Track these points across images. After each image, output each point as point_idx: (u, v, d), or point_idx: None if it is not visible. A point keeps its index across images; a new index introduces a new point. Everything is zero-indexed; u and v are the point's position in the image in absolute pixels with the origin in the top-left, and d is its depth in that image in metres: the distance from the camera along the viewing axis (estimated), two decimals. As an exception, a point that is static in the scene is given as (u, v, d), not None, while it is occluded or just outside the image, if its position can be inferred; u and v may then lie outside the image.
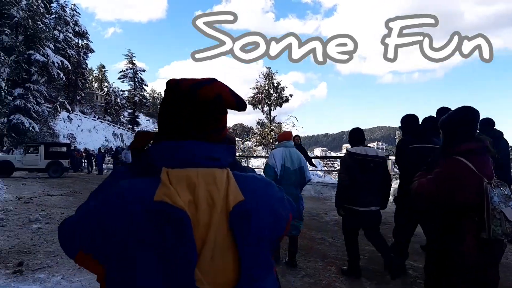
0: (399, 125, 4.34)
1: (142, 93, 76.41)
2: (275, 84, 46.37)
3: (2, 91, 27.56)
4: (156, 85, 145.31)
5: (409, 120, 4.21)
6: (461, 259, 2.23)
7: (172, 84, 0.89)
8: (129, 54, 73.21)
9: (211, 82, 0.87)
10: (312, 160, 11.51)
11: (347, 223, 4.13)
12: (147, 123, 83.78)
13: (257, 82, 47.73)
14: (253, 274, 0.79)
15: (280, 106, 46.46)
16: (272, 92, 46.28)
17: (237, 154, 29.01)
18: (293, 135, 8.36)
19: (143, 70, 76.00)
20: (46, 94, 40.42)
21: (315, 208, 9.14)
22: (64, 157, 19.72)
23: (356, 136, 4.06)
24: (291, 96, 47.20)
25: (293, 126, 16.11)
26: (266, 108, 47.93)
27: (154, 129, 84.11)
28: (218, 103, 0.87)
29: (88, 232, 0.79)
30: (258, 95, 47.14)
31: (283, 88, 46.61)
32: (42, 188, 13.26)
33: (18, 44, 34.22)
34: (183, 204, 0.75)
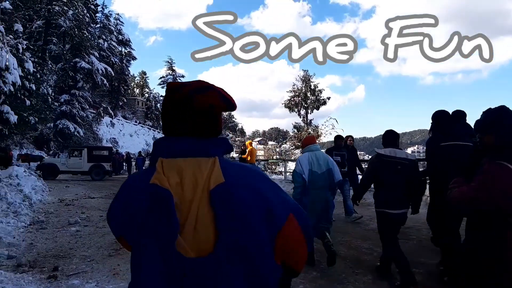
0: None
1: (181, 98, 77.89)
2: (312, 87, 45.75)
3: (49, 97, 28.78)
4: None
5: (439, 117, 4.08)
6: (503, 268, 2.04)
7: (170, 89, 1.07)
8: (169, 61, 75.13)
9: (206, 91, 1.02)
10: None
11: (382, 227, 3.99)
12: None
13: (294, 85, 47.26)
14: (229, 248, 0.90)
15: (317, 109, 45.67)
16: (309, 95, 45.68)
17: (275, 157, 28.42)
18: (346, 136, 7.92)
19: (182, 76, 77.55)
20: (91, 100, 42.03)
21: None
22: (106, 161, 20.26)
23: (388, 138, 3.99)
24: (328, 99, 46.27)
25: (332, 128, 15.55)
26: (302, 111, 47.32)
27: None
28: (211, 112, 1.03)
29: (117, 218, 1.06)
30: (294, 98, 46.63)
31: (320, 91, 45.80)
32: (84, 190, 13.55)
33: (65, 52, 35.88)
34: (168, 186, 0.93)
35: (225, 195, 0.93)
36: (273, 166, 23.69)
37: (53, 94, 32.84)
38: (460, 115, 4.37)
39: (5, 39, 13.54)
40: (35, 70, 25.86)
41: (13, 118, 16.29)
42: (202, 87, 1.03)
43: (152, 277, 0.91)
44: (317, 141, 4.89)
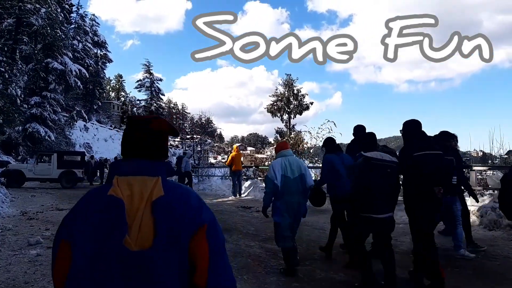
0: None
1: (159, 102, 76.30)
2: (295, 92, 45.12)
3: (18, 99, 26.82)
4: (173, 95, 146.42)
5: (410, 126, 4.11)
6: None
7: (133, 119, 1.33)
8: (147, 64, 73.29)
9: (157, 119, 1.32)
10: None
11: (363, 232, 3.96)
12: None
13: (276, 90, 46.54)
14: (164, 243, 1.11)
15: (300, 114, 45.09)
16: (292, 100, 45.01)
17: (267, 163, 27.38)
18: (450, 135, 5.95)
19: (160, 80, 76.10)
20: (63, 103, 39.94)
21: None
22: (78, 167, 18.66)
23: (372, 140, 4.03)
24: (311, 104, 45.80)
25: (329, 132, 14.65)
26: (285, 116, 46.63)
27: (170, 139, 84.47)
28: (161, 136, 1.31)
29: (69, 224, 1.17)
30: (277, 103, 45.92)
31: (303, 96, 45.30)
32: (51, 200, 12.09)
33: (36, 52, 33.83)
34: (122, 196, 1.14)
35: (163, 205, 1.16)
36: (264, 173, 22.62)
37: (22, 95, 30.82)
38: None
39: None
40: (3, 69, 24.00)
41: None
42: (157, 116, 1.36)
43: (104, 272, 1.09)
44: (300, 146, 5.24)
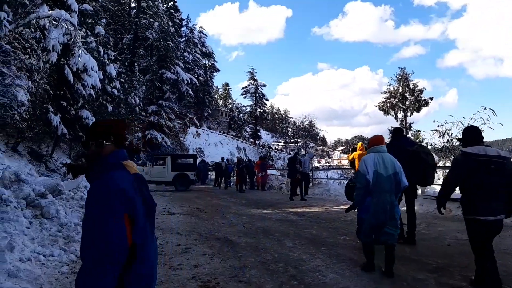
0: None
1: (262, 107, 77.34)
2: (411, 87, 40.60)
3: (137, 107, 28.78)
4: (275, 101, 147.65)
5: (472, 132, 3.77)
6: None
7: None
8: (251, 71, 75.30)
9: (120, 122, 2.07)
10: None
11: (475, 237, 3.59)
12: (266, 138, 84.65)
13: (389, 85, 42.53)
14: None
15: (418, 111, 40.31)
16: (407, 96, 40.61)
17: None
18: None
19: (264, 85, 77.10)
20: (177, 111, 42.63)
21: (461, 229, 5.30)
22: (190, 170, 18.60)
23: (472, 135, 3.67)
24: (431, 99, 40.68)
25: (483, 124, 11.27)
26: (400, 114, 42.27)
27: (274, 143, 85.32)
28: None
29: (124, 201, 1.69)
30: (390, 100, 41.87)
31: (420, 91, 40.48)
32: (165, 203, 11.67)
33: (151, 64, 36.48)
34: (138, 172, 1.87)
35: (139, 178, 1.84)
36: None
37: (141, 105, 33.31)
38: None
39: (79, 39, 12.34)
40: (123, 80, 25.79)
41: (94, 124, 15.20)
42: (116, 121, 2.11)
43: (150, 233, 1.83)
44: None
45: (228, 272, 4.31)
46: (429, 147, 13.64)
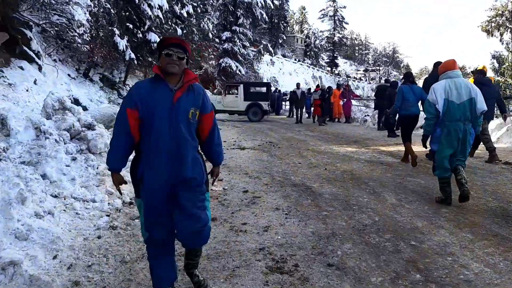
0: None
1: (341, 32, 71.49)
2: (528, 1, 33.25)
3: (210, 33, 27.58)
4: (355, 26, 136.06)
5: None
6: None
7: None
8: (330, -11, 68.46)
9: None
10: None
11: None
12: (344, 66, 79.57)
13: (495, 1, 35.52)
14: None
15: (535, 30, 33.39)
16: (522, 12, 33.52)
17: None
18: None
19: (344, 7, 70.39)
20: (251, 37, 40.73)
21: None
22: (264, 99, 17.32)
23: None
24: (553, 15, 33.17)
25: None
26: (507, 36, 35.66)
27: (351, 71, 79.86)
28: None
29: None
30: (496, 18, 35.20)
31: (541, 5, 33.08)
32: (235, 136, 10.69)
33: (225, -15, 34.34)
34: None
35: None
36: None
37: (214, 31, 32.06)
38: None
39: None
40: (196, 5, 24.39)
41: (163, 48, 14.23)
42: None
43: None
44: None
45: (311, 245, 3.02)
46: None
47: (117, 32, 11.54)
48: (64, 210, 3.62)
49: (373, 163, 6.54)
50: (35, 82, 8.41)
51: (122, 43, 11.66)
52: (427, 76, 7.87)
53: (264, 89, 18.29)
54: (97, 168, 4.68)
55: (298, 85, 18.56)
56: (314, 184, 5.00)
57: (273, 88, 24.31)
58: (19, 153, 4.25)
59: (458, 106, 3.89)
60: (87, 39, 9.32)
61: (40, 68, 9.07)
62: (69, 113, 5.04)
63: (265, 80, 42.08)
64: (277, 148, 8.35)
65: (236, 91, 17.34)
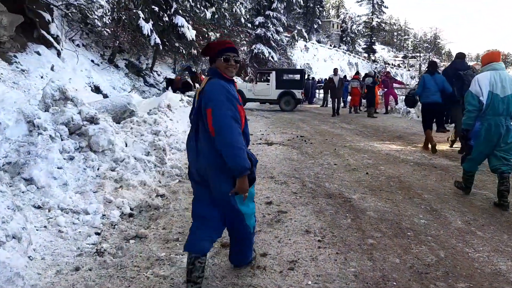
0: None
1: (380, 17, 68.20)
2: None
3: (242, 18, 26.62)
4: (394, 11, 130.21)
5: None
6: None
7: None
8: (369, -29, 65.16)
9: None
10: None
11: None
12: (382, 52, 76.24)
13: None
14: None
15: None
16: None
17: None
18: None
19: (382, -12, 66.76)
20: (285, 22, 39.36)
21: None
22: (297, 87, 16.29)
23: None
24: None
25: None
26: None
27: (388, 57, 76.43)
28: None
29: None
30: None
31: None
32: (264, 128, 9.86)
33: (258, -32, 33.16)
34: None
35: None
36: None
37: (247, 16, 31.04)
38: None
39: None
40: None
41: (190, 33, 13.62)
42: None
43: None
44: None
45: (354, 298, 2.20)
46: None
47: (141, 15, 10.91)
48: (45, 227, 2.97)
49: (425, 166, 5.51)
50: (52, 69, 7.92)
51: (146, 27, 11.02)
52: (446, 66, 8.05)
53: (297, 77, 17.23)
54: (98, 169, 4.02)
55: (335, 71, 16.34)
56: (354, 195, 4.10)
57: (306, 76, 23.05)
58: (6, 152, 3.65)
59: (502, 100, 3.72)
60: (107, 21, 8.69)
61: (59, 54, 8.58)
62: (70, 104, 4.39)
63: (298, 67, 40.66)
64: (309, 144, 7.45)
65: (268, 78, 16.40)
